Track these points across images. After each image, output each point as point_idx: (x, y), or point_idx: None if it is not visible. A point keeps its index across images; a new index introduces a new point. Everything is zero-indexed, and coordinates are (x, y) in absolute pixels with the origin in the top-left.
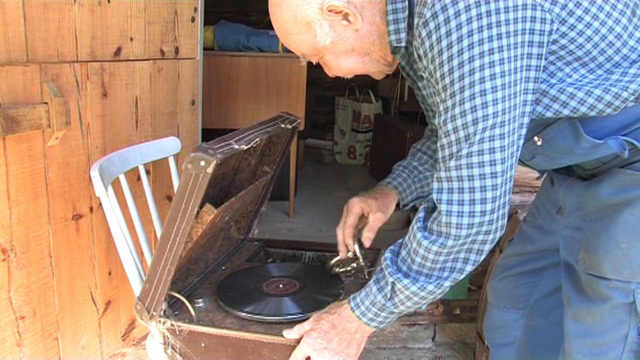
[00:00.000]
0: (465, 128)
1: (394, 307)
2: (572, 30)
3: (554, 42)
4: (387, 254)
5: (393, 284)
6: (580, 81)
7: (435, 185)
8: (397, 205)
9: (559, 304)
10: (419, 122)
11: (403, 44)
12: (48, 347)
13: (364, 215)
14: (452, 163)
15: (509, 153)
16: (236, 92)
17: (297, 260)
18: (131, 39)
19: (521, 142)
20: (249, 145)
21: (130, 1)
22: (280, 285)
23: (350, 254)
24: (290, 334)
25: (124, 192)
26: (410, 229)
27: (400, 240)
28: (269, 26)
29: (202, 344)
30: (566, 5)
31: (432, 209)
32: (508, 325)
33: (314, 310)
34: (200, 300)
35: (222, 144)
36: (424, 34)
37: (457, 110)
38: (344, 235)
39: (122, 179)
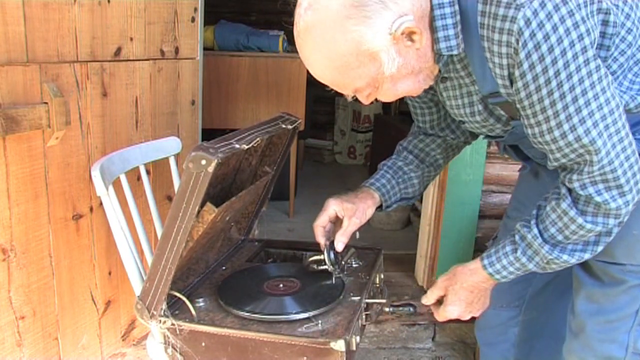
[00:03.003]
0: (589, 134)
1: (542, 270)
2: (617, 36)
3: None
4: (535, 232)
5: (550, 259)
6: (617, 89)
7: (576, 184)
8: (380, 206)
9: (551, 296)
10: None
11: (455, 52)
12: (48, 347)
13: (338, 217)
14: (595, 167)
15: (630, 137)
16: (236, 92)
17: (297, 260)
18: (131, 39)
19: (628, 125)
20: (249, 145)
21: (130, 1)
22: (281, 285)
23: (324, 254)
24: (427, 301)
25: (124, 191)
26: (560, 210)
27: (535, 213)
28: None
29: (203, 344)
30: (618, 8)
31: (574, 192)
32: (504, 324)
33: (314, 309)
34: (200, 299)
35: (223, 143)
36: (522, 55)
37: (575, 119)
38: (314, 233)
39: (123, 179)
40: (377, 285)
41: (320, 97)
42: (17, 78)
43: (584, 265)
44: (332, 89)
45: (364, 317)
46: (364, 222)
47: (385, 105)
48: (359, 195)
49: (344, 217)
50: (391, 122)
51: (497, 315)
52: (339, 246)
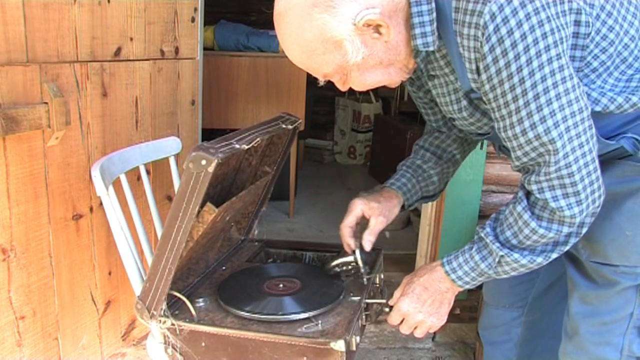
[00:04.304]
0: (549, 133)
1: (495, 274)
2: (597, 34)
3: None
4: (488, 230)
5: (501, 257)
6: (602, 87)
7: (534, 187)
8: (402, 207)
9: (554, 298)
10: (419, 122)
11: (431, 48)
12: (48, 347)
13: (364, 217)
14: (552, 168)
15: (592, 144)
16: (236, 92)
17: (297, 260)
18: (131, 39)
19: (593, 130)
20: (249, 145)
21: (130, 1)
22: (281, 285)
23: (350, 258)
24: (391, 301)
25: (124, 191)
26: (516, 213)
27: (494, 217)
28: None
29: (203, 344)
30: (595, 8)
31: (532, 196)
32: (507, 324)
33: (314, 309)
34: (200, 299)
35: (223, 143)
36: (486, 48)
37: (536, 117)
38: (342, 234)
39: (123, 179)
40: (377, 285)
41: (320, 97)
42: (17, 78)
43: (578, 267)
44: (320, 82)
45: (364, 317)
46: (390, 220)
47: (385, 105)
48: (383, 195)
49: (370, 216)
50: (391, 122)
51: (501, 315)
52: (367, 245)
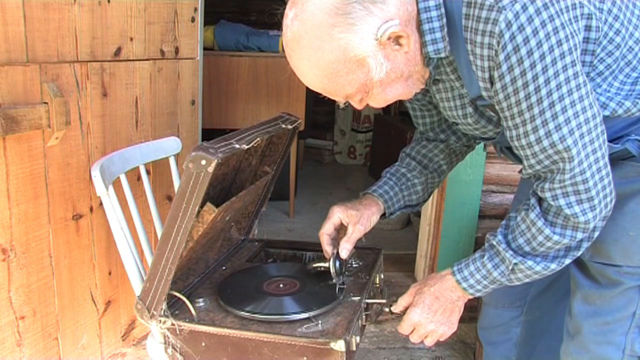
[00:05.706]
0: (564, 141)
1: (508, 282)
2: (605, 37)
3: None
4: (500, 238)
5: (515, 264)
6: (609, 91)
7: (548, 194)
8: (383, 214)
9: (554, 297)
10: None
11: (443, 55)
12: (48, 347)
13: (343, 225)
14: (567, 175)
15: (604, 149)
16: (236, 92)
17: (297, 260)
18: (131, 39)
19: (605, 134)
20: (249, 145)
21: (130, 1)
22: (281, 285)
23: (330, 264)
24: (396, 308)
25: (124, 191)
26: (528, 220)
27: (504, 224)
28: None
29: (203, 344)
30: (604, 12)
31: (545, 202)
32: (507, 324)
33: (314, 309)
34: (200, 299)
35: (223, 143)
36: (502, 57)
37: (551, 125)
38: (320, 241)
39: (123, 179)
40: (377, 285)
41: (320, 97)
42: (17, 78)
43: (581, 267)
44: (324, 96)
45: (364, 317)
46: (369, 229)
47: (385, 105)
48: (363, 202)
49: (348, 224)
50: (391, 122)
51: (500, 315)
52: (344, 253)
